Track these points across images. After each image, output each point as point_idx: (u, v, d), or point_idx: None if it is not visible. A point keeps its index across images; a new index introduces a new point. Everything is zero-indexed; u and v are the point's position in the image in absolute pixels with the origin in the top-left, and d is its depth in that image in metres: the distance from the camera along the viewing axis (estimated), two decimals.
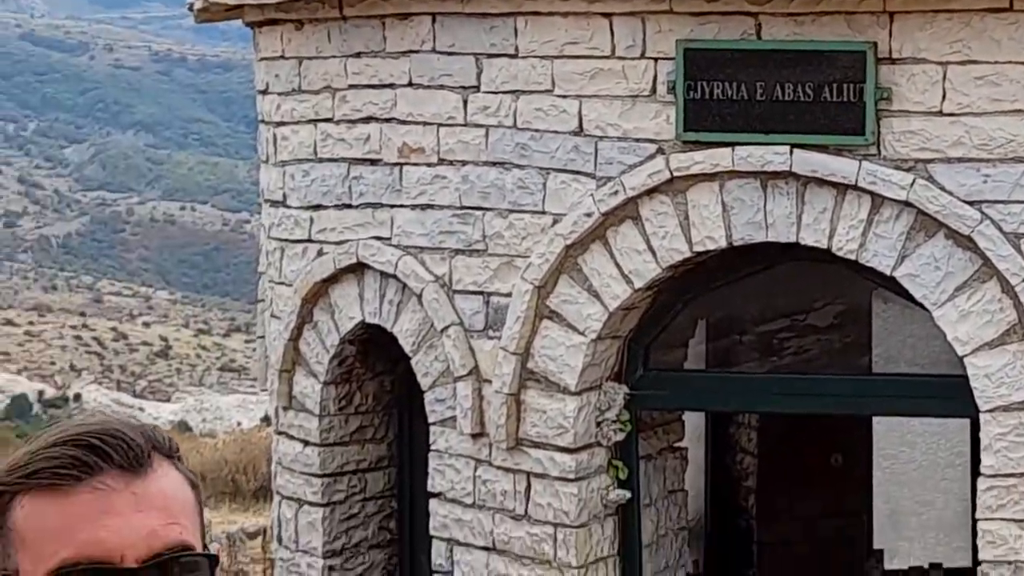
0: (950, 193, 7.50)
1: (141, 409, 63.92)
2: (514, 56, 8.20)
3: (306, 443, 9.34)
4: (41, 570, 2.37)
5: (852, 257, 7.72)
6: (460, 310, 8.47)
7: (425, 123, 8.59)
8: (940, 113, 7.57)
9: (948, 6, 7.43)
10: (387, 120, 8.69)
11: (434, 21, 8.39)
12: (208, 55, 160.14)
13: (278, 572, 10.10)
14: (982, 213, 7.47)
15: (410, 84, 8.59)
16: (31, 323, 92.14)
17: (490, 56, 8.27)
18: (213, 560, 2.41)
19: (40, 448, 2.45)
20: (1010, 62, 7.56)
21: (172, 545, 2.39)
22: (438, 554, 8.73)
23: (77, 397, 73.63)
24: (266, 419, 22.36)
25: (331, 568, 9.30)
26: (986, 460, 7.63)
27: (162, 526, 2.38)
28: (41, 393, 75.94)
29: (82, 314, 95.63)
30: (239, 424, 47.99)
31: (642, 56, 7.90)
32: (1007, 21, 7.42)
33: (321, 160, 9.06)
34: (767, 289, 10.00)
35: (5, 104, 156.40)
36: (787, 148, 7.66)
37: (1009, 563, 7.63)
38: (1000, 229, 7.47)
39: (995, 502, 7.62)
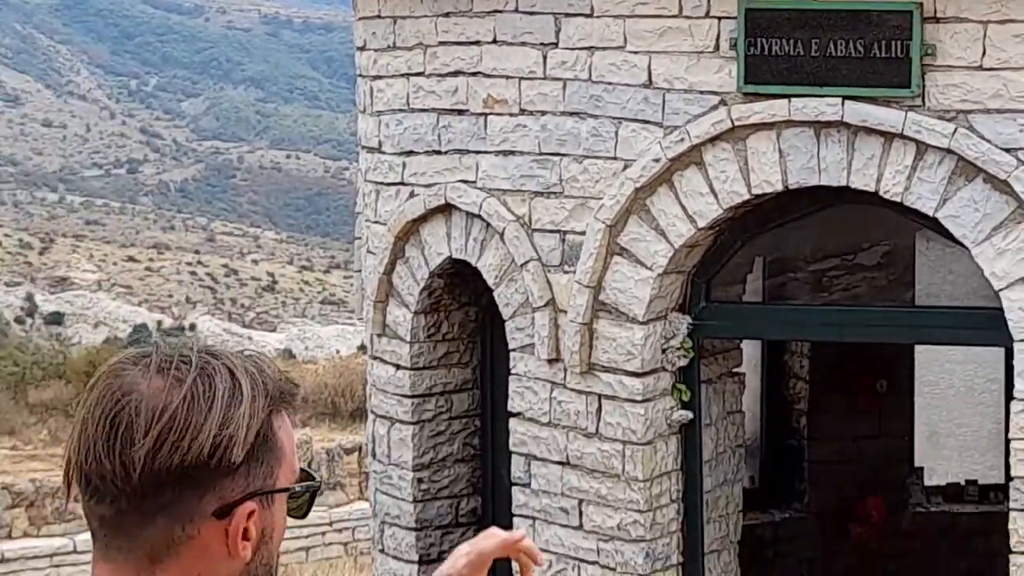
0: (988, 141, 7.44)
1: (249, 338, 64.45)
2: (589, 15, 8.16)
3: (398, 367, 9.36)
4: (287, 481, 2.58)
5: (898, 200, 7.68)
6: (538, 247, 8.45)
7: (508, 77, 8.57)
8: (980, 68, 7.50)
9: None
10: (473, 74, 8.68)
11: None
12: (312, 17, 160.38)
13: (372, 484, 10.13)
14: (1018, 159, 7.42)
15: (494, 41, 8.56)
16: (151, 260, 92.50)
17: (567, 15, 8.24)
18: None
19: (265, 370, 2.60)
20: None
21: None
22: (517, 468, 8.74)
23: (192, 327, 74.32)
24: (362, 347, 22.51)
25: (419, 480, 9.32)
26: (1019, 385, 7.58)
27: None
28: (159, 323, 76.74)
29: (197, 252, 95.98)
30: (338, 352, 48.19)
31: (707, 15, 7.87)
32: None
33: (413, 110, 9.04)
34: (819, 230, 9.87)
35: (129, 62, 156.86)
36: (839, 100, 7.63)
37: None
38: None
39: None
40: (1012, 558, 7.61)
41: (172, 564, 2.56)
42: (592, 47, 8.18)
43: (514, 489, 8.80)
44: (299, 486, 2.68)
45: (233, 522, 2.53)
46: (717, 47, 7.85)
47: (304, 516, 2.82)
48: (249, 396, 2.58)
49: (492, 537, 3.39)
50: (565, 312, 8.32)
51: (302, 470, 2.75)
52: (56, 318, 78.11)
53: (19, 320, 78.32)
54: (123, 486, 2.53)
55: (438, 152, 8.89)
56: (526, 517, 8.71)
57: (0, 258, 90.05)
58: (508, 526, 8.86)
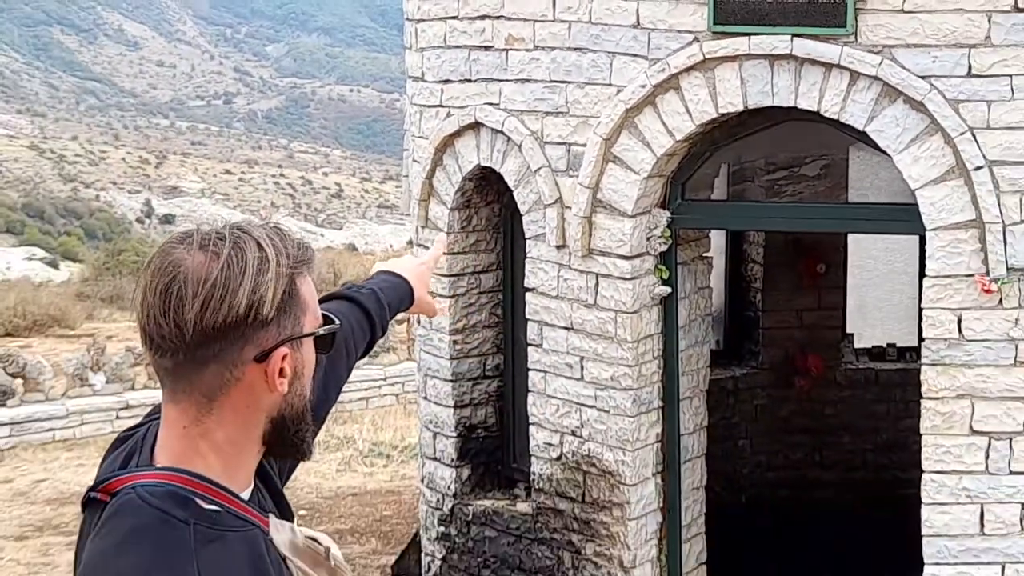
0: (908, 70, 7.46)
1: (321, 235, 64.87)
2: None
3: None
4: (311, 327, 2.78)
5: (835, 118, 7.68)
6: (549, 156, 8.41)
7: (524, 19, 8.51)
8: (902, 11, 7.51)
9: None
10: (497, 17, 8.62)
11: None
12: None
13: (417, 345, 10.21)
14: (931, 84, 7.43)
15: None
16: (243, 172, 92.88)
17: None
18: None
19: (287, 238, 2.78)
20: None
21: None
22: (531, 332, 8.79)
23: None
24: (410, 241, 22.60)
25: (455, 342, 9.37)
26: (930, 265, 7.56)
27: None
28: (250, 223, 77.64)
29: (279, 166, 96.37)
30: (391, 245, 48.54)
31: None
32: None
33: (449, 47, 8.99)
34: (771, 147, 9.88)
35: (224, 14, 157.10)
36: (789, 37, 7.62)
37: (944, 340, 7.64)
38: (944, 96, 7.43)
39: (935, 296, 7.60)
40: (923, 403, 7.62)
41: (225, 401, 2.74)
42: None
43: (529, 348, 8.83)
44: (321, 329, 2.85)
45: (270, 364, 2.69)
46: None
47: (329, 351, 3.00)
48: (274, 262, 2.71)
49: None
50: (570, 208, 8.34)
51: (324, 315, 2.92)
52: (168, 219, 77.90)
53: (139, 220, 79.47)
54: (179, 343, 2.69)
55: (469, 80, 8.90)
56: (539, 371, 8.77)
57: (124, 171, 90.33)
58: (524, 379, 8.98)
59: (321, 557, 2.90)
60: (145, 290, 2.70)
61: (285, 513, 2.98)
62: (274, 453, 2.88)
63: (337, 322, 2.99)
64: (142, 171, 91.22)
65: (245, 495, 2.78)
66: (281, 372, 2.70)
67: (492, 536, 9.15)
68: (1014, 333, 7.51)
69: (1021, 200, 7.43)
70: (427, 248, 9.49)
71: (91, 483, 2.93)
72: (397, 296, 3.93)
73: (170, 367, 2.72)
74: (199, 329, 2.61)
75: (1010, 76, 7.38)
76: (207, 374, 2.69)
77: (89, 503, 2.82)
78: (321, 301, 3.34)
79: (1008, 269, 7.39)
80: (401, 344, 20.50)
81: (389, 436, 16.17)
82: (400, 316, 16.24)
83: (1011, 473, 7.58)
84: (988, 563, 7.66)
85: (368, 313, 3.75)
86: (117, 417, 16.97)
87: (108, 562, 2.61)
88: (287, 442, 2.82)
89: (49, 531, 12.54)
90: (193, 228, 2.81)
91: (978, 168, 7.38)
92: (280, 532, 2.81)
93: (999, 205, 7.39)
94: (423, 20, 9.32)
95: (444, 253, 9.56)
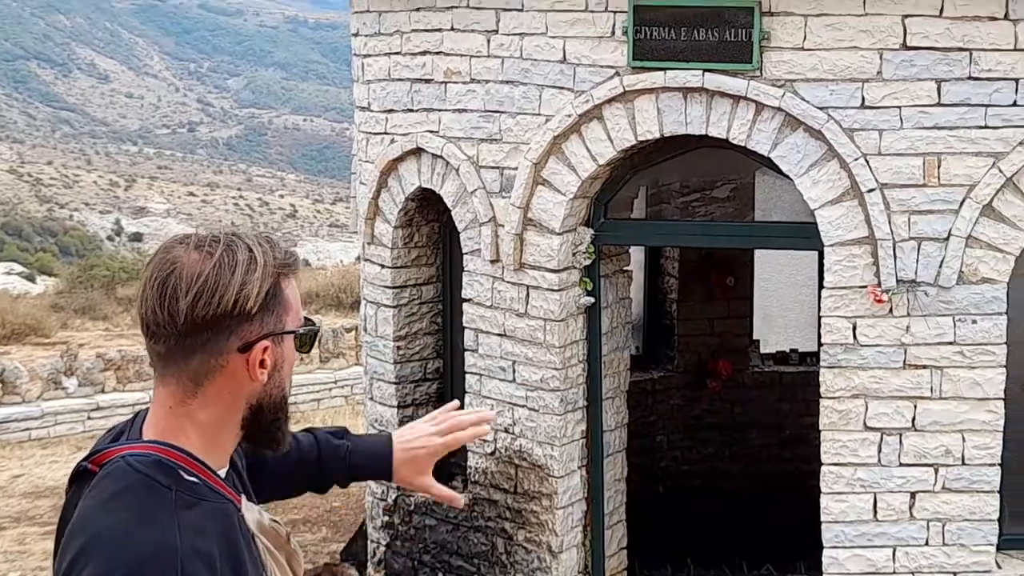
0: (807, 102, 7.52)
1: None
2: (521, 10, 8.15)
3: (382, 266, 9.34)
4: (292, 325, 2.81)
5: (742, 144, 7.70)
6: (484, 179, 8.38)
7: (461, 55, 8.51)
8: (802, 49, 7.59)
9: None
10: (436, 53, 8.61)
11: None
12: (322, 18, 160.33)
13: (364, 351, 10.18)
14: (828, 115, 7.49)
15: (452, 29, 8.50)
16: (205, 195, 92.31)
17: (505, 10, 8.23)
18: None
19: (275, 245, 2.80)
20: (849, 14, 7.53)
21: None
22: (468, 339, 8.77)
23: None
24: (358, 257, 22.54)
25: (398, 348, 9.34)
26: (827, 278, 7.60)
27: None
28: None
29: (239, 189, 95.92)
30: (341, 261, 48.28)
31: (606, 10, 7.86)
32: None
33: (392, 80, 8.98)
34: (685, 171, 9.99)
35: (188, 51, 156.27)
36: (701, 72, 7.65)
37: (840, 345, 7.70)
38: (840, 126, 7.49)
39: (832, 305, 7.65)
40: (821, 402, 7.69)
41: (210, 385, 2.76)
42: (523, 33, 8.16)
43: (466, 353, 8.80)
44: (301, 329, 2.86)
45: (252, 355, 2.73)
46: (613, 33, 7.84)
47: (308, 351, 3.01)
48: (261, 264, 2.74)
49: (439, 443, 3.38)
50: (503, 226, 8.33)
51: (306, 318, 2.92)
52: (137, 237, 76.86)
53: (110, 238, 78.77)
54: (171, 330, 2.73)
55: (411, 110, 8.89)
56: (475, 374, 8.76)
57: (96, 193, 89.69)
58: (461, 381, 8.96)
59: (282, 540, 2.93)
60: (145, 282, 2.75)
61: (250, 499, 2.98)
62: (251, 438, 2.88)
63: (316, 324, 2.98)
64: (112, 193, 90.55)
65: (222, 473, 2.82)
66: (262, 363, 2.74)
67: (432, 524, 9.14)
68: (903, 339, 7.57)
69: (909, 219, 7.50)
70: (373, 263, 9.55)
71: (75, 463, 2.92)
72: (367, 462, 3.44)
73: (162, 352, 2.75)
74: (190, 319, 2.65)
75: (899, 107, 7.47)
76: (195, 360, 2.72)
77: (80, 474, 2.82)
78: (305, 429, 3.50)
79: (897, 281, 7.46)
80: (350, 350, 20.67)
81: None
82: (349, 326, 16.04)
83: (900, 465, 7.66)
84: (880, 546, 7.73)
85: (320, 456, 3.44)
86: (88, 418, 17.03)
87: (96, 518, 2.63)
88: (264, 429, 2.85)
89: (25, 522, 12.57)
90: (193, 231, 2.90)
91: (871, 190, 7.44)
92: (250, 512, 2.84)
93: (889, 224, 7.45)
94: (369, 55, 9.31)
95: (389, 267, 9.57)
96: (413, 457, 3.35)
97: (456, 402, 3.52)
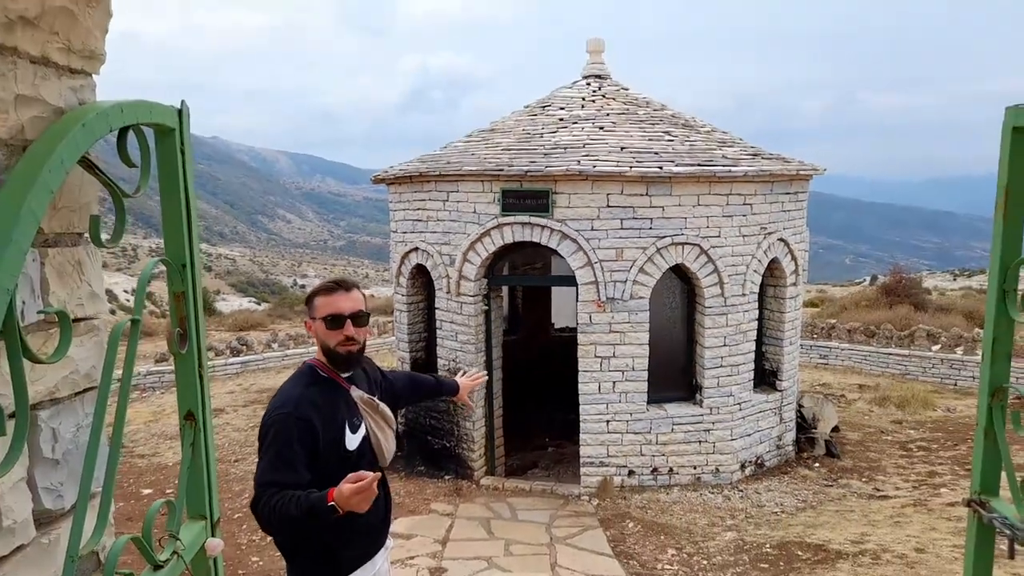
0: (570, 227, 7.24)
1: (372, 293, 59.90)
2: (458, 191, 7.78)
3: (402, 295, 8.74)
4: (320, 315, 2.47)
5: (546, 245, 7.41)
6: (443, 260, 7.88)
7: (433, 210, 8.05)
8: (568, 207, 7.19)
9: (571, 177, 7.22)
10: (423, 208, 8.16)
11: (436, 182, 8.02)
12: (381, 198, 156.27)
13: (395, 329, 8.97)
14: (579, 233, 7.25)
15: (430, 199, 8.04)
16: (330, 270, 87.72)
17: (451, 191, 7.87)
18: (369, 316, 2.52)
19: (333, 281, 2.53)
20: (586, 193, 7.21)
21: (359, 308, 2.52)
22: (437, 323, 8.18)
23: None
24: (393, 291, 20.26)
25: (410, 327, 8.69)
26: (580, 296, 7.38)
27: (355, 304, 2.51)
28: None
29: (343, 267, 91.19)
30: (387, 294, 43.98)
31: (491, 191, 7.53)
32: (581, 180, 7.22)
33: (406, 220, 8.49)
34: (524, 256, 9.48)
35: (324, 211, 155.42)
36: (528, 216, 7.34)
37: (585, 323, 7.44)
38: (583, 237, 7.28)
39: (582, 308, 7.39)
40: (578, 347, 7.49)
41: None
42: (459, 200, 7.87)
43: (437, 330, 8.32)
44: (319, 317, 2.53)
45: (308, 324, 2.57)
46: (494, 200, 7.57)
47: (330, 327, 2.56)
48: (317, 287, 2.59)
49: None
50: (451, 278, 7.96)
51: (331, 315, 2.52)
52: (302, 287, 57.42)
53: (292, 286, 61.52)
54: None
55: (413, 232, 8.43)
56: (441, 339, 8.22)
57: (283, 269, 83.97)
58: (435, 341, 8.41)
59: (374, 405, 2.61)
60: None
61: (376, 386, 2.68)
62: (328, 359, 2.54)
63: (336, 316, 2.53)
64: (293, 269, 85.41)
65: (344, 375, 2.55)
66: (310, 327, 2.55)
67: (428, 406, 8.38)
68: (610, 320, 7.48)
69: (611, 274, 7.43)
70: (398, 294, 9.01)
71: None
72: (449, 390, 3.25)
73: None
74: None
75: (607, 231, 7.22)
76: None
77: None
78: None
79: (607, 299, 7.47)
80: (390, 329, 19.14)
81: (385, 365, 15.21)
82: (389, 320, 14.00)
83: (611, 370, 7.36)
84: (600, 404, 7.42)
85: (423, 381, 3.15)
86: (281, 360, 14.89)
87: (282, 385, 2.54)
88: (328, 356, 2.54)
89: (254, 404, 10.90)
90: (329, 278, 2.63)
91: (596, 262, 7.29)
92: (356, 392, 2.56)
93: (603, 275, 7.45)
94: (395, 210, 8.86)
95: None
96: (463, 386, 3.25)
97: (475, 370, 3.40)
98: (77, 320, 1.20)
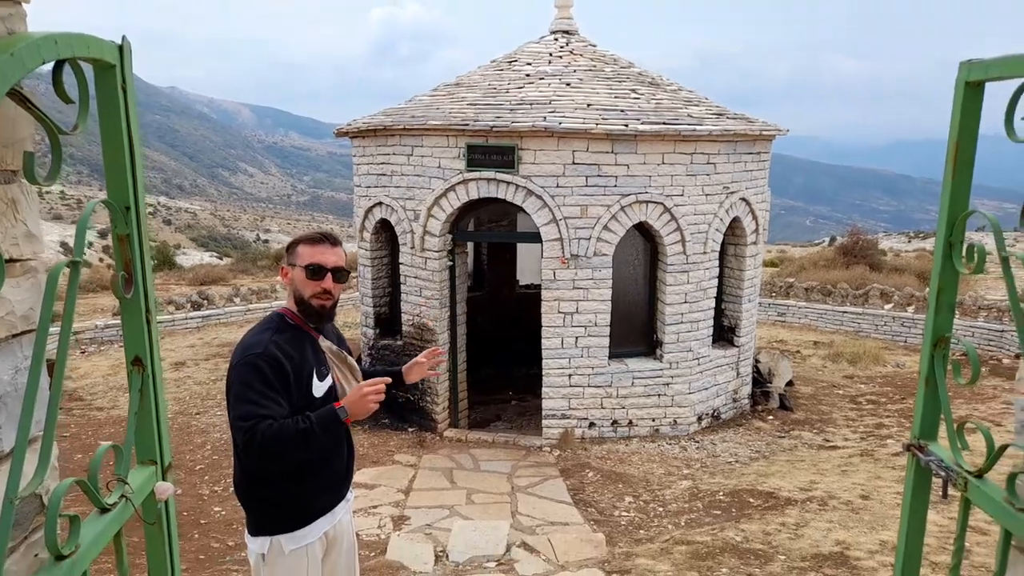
0: (536, 183, 7.27)
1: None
2: (422, 146, 7.74)
3: (366, 250, 8.69)
4: (302, 264, 2.44)
5: (512, 201, 7.44)
6: (408, 214, 7.92)
7: (398, 164, 8.02)
8: (534, 163, 7.29)
9: (537, 133, 7.25)
10: (387, 163, 8.12)
11: (401, 136, 7.96)
12: (346, 152, 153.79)
13: (359, 285, 9.00)
14: (543, 189, 7.26)
15: (393, 153, 8.05)
16: (296, 224, 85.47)
17: (416, 147, 7.80)
18: (349, 273, 2.49)
19: (316, 232, 2.51)
20: (551, 150, 7.25)
21: (340, 264, 2.49)
22: (402, 278, 8.21)
23: None
24: (357, 246, 20.27)
25: (374, 281, 8.66)
26: (545, 253, 7.42)
27: (338, 260, 2.48)
28: None
29: (308, 223, 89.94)
30: (352, 249, 43.90)
31: (456, 147, 7.50)
32: (547, 136, 7.24)
33: (369, 174, 8.46)
34: (490, 212, 9.46)
35: (287, 165, 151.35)
36: (494, 172, 7.37)
37: (549, 280, 7.50)
38: (548, 194, 7.25)
39: (546, 264, 7.43)
40: (542, 303, 7.52)
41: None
42: (423, 156, 7.84)
43: (401, 284, 8.35)
44: (299, 265, 2.50)
45: (284, 271, 2.52)
46: (459, 156, 7.55)
47: (311, 277, 2.50)
48: (299, 236, 2.56)
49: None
50: (416, 233, 7.94)
51: (313, 264, 2.48)
52: (265, 242, 56.18)
53: (255, 242, 59.37)
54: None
55: (376, 186, 8.38)
56: (405, 294, 8.25)
57: (245, 224, 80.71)
58: (399, 296, 8.45)
59: (342, 356, 2.58)
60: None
61: (341, 346, 2.63)
62: (300, 309, 2.50)
63: (316, 266, 2.47)
64: (256, 223, 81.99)
65: (313, 325, 2.50)
66: (286, 274, 2.51)
67: (387, 354, 8.59)
68: (573, 277, 7.52)
69: (575, 231, 7.45)
70: (362, 249, 8.98)
71: None
72: (393, 373, 2.94)
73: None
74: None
75: (572, 188, 7.24)
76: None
77: None
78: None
79: (571, 256, 7.48)
80: (353, 281, 18.99)
81: (349, 320, 15.12)
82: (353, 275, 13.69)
83: (573, 326, 7.41)
84: (563, 358, 7.54)
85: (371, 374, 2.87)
86: (244, 315, 14.72)
87: (246, 333, 2.49)
88: (300, 306, 2.50)
89: (215, 358, 10.73)
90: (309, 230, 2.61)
91: (560, 219, 7.31)
92: (325, 342, 2.54)
93: (568, 232, 7.46)
94: (360, 164, 8.79)
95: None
96: (407, 372, 2.90)
97: (435, 348, 3.05)
98: (12, 260, 1.15)
